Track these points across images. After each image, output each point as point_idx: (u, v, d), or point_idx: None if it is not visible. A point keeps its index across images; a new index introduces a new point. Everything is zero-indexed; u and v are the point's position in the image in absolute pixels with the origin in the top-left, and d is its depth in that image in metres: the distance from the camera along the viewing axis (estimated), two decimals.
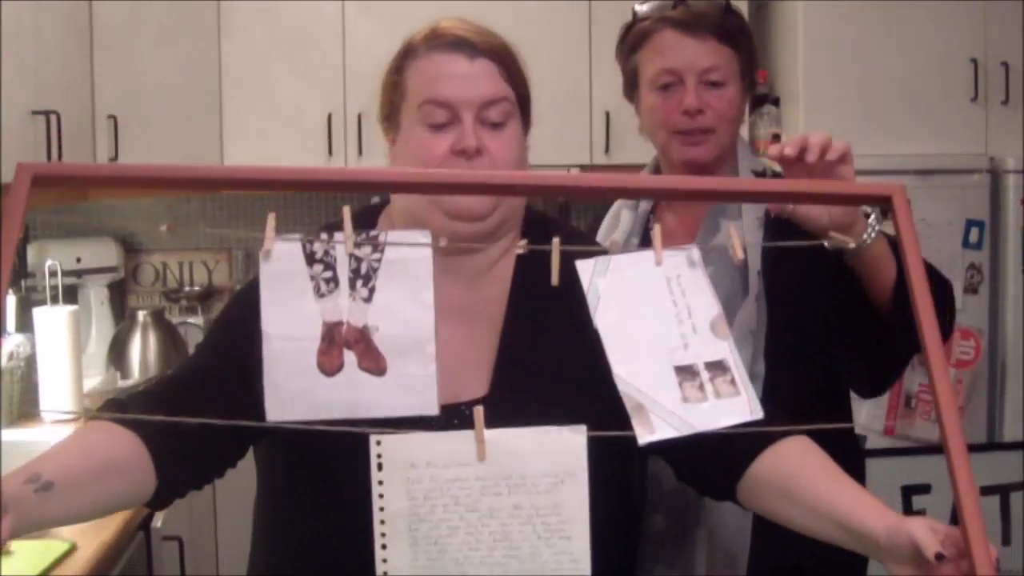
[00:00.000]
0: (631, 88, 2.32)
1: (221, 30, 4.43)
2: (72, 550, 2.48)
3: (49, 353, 3.64)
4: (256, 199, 4.85)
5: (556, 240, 1.36)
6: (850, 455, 2.24)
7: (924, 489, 4.01)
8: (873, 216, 1.94)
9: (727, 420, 1.32)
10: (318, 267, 1.49)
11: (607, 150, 4.49)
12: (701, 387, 1.33)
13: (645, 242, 2.32)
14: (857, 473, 2.32)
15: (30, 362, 3.72)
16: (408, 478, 1.32)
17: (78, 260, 4.41)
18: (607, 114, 4.44)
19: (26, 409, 3.69)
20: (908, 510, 4.00)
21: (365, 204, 1.99)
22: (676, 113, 2.20)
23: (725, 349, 1.36)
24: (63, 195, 3.93)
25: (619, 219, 2.38)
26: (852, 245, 1.55)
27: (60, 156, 3.48)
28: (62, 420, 3.65)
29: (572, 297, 1.47)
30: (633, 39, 2.28)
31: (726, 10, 2.23)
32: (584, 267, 1.39)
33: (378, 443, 1.33)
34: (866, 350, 2.06)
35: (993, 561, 1.22)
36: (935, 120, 4.31)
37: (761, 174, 2.27)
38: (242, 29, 4.43)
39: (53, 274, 3.78)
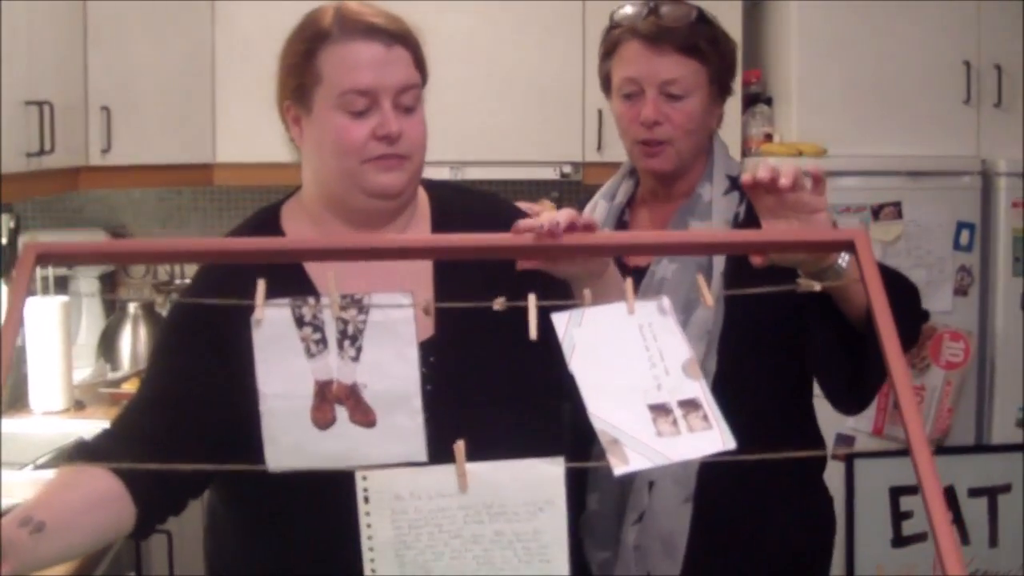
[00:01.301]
0: (606, 90, 2.40)
1: (215, 21, 4.42)
2: None
3: (39, 344, 3.64)
4: (247, 191, 4.84)
5: (532, 296, 1.43)
6: (813, 445, 2.29)
7: (912, 490, 4.01)
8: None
9: (700, 451, 1.37)
10: (307, 329, 1.61)
11: (599, 147, 4.49)
12: (674, 423, 1.38)
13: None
14: (817, 464, 2.34)
15: (20, 353, 3.71)
16: (393, 509, 1.37)
17: None
18: (599, 112, 4.44)
19: (16, 400, 3.69)
20: (896, 511, 4.01)
21: (261, 207, 2.10)
22: (636, 123, 2.28)
23: (697, 388, 1.42)
24: (54, 186, 3.92)
25: (595, 210, 2.45)
26: (818, 288, 1.57)
27: (53, 147, 3.47)
28: (51, 412, 3.65)
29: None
30: (607, 44, 2.35)
31: (697, 20, 2.28)
32: (559, 319, 1.46)
33: (364, 477, 1.38)
34: (846, 368, 2.07)
35: None
36: (927, 122, 4.31)
37: (736, 179, 2.29)
38: (235, 20, 4.41)
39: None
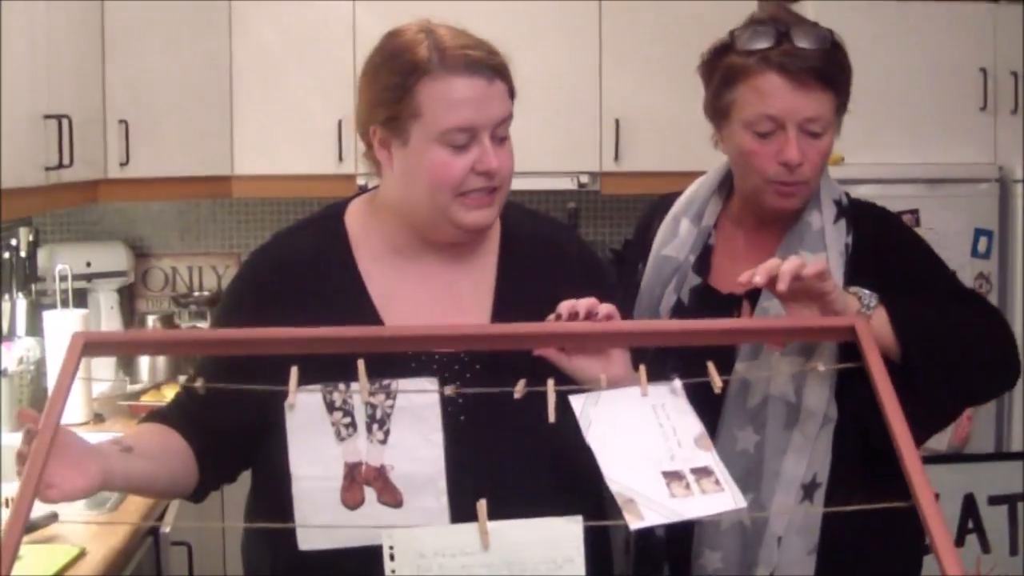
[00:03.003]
0: (719, 117, 2.18)
1: (232, 33, 4.43)
2: (81, 555, 2.49)
3: (59, 357, 3.64)
4: (266, 203, 4.86)
5: (551, 381, 1.49)
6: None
7: (936, 495, 4.00)
8: (865, 300, 1.96)
9: (712, 510, 1.45)
10: (337, 414, 1.78)
11: (616, 157, 4.49)
12: (687, 486, 1.45)
13: (703, 260, 2.23)
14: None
15: (40, 366, 3.73)
16: (419, 567, 1.40)
17: (88, 264, 4.42)
18: (616, 121, 4.44)
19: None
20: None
21: (331, 204, 2.10)
22: (774, 163, 2.10)
23: (709, 458, 1.50)
24: (73, 199, 3.94)
25: (677, 229, 2.26)
26: (822, 369, 1.57)
27: (71, 160, 3.48)
28: (71, 424, 3.66)
29: (557, 267, 1.81)
30: (728, 71, 2.13)
31: (832, 47, 2.14)
32: (576, 400, 1.53)
33: (390, 535, 1.42)
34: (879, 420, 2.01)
35: None
36: (944, 129, 4.30)
37: (838, 202, 2.22)
38: (253, 33, 4.42)
39: (63, 278, 3.79)
